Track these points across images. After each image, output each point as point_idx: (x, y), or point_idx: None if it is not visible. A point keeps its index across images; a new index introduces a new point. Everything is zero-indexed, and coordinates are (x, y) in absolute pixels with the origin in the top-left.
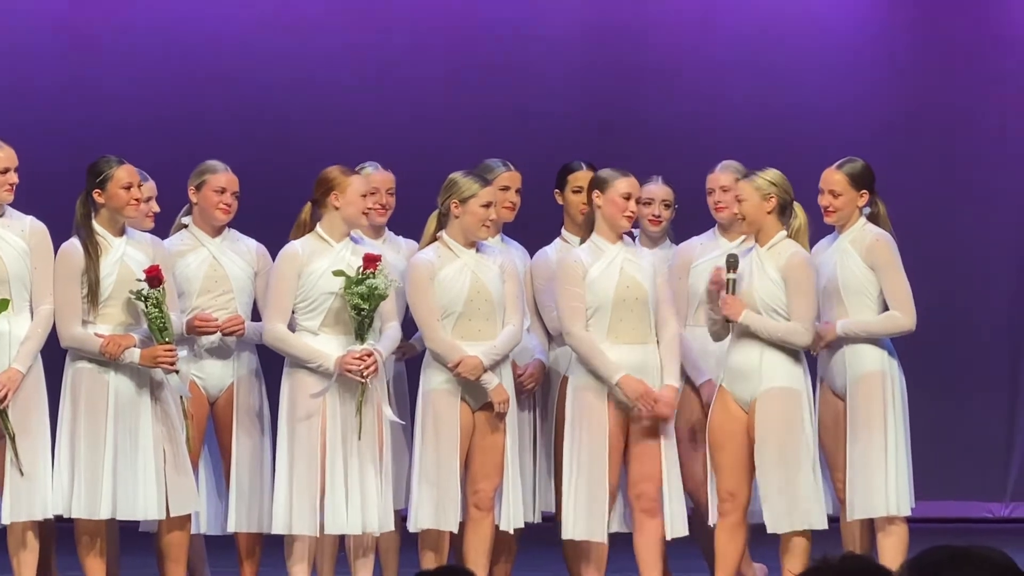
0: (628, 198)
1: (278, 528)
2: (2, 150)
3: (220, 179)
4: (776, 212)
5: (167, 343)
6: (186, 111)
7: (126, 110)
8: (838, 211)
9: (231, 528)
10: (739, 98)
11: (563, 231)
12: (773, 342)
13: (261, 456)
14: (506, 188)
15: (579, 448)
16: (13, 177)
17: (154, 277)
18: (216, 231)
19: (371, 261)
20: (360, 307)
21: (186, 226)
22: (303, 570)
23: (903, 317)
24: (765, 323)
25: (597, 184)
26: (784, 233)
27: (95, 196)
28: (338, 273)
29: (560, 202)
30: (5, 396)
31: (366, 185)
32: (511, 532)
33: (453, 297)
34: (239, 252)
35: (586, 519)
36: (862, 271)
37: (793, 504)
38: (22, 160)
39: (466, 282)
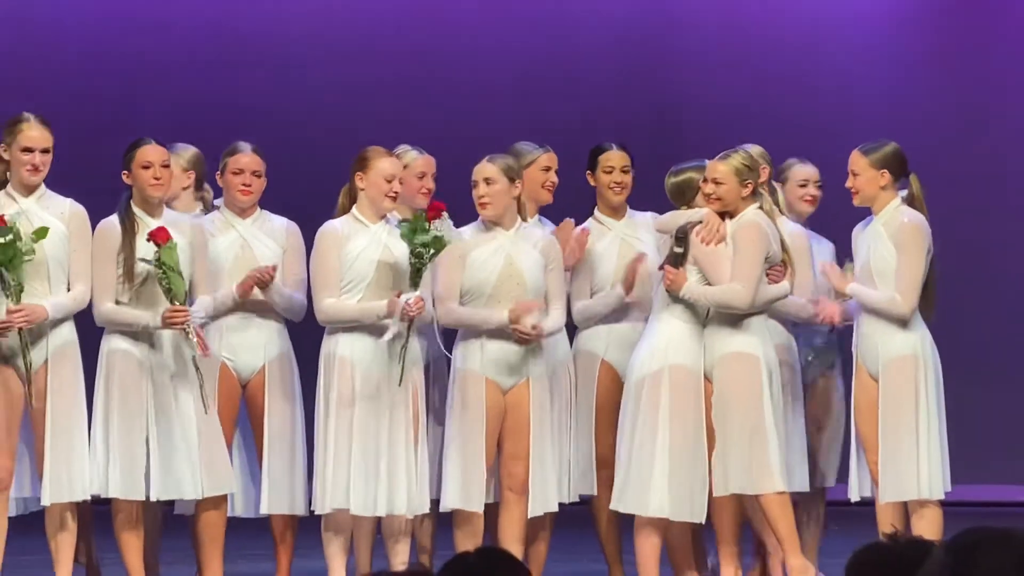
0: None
1: (318, 507)
2: (34, 129)
3: (239, 160)
4: (750, 196)
5: (174, 304)
6: (228, 90)
7: (179, 89)
8: (859, 191)
9: (264, 511)
10: (780, 83)
11: (596, 212)
12: (714, 305)
13: (293, 438)
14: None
15: (673, 431)
16: (37, 158)
17: (157, 238)
18: (246, 212)
19: (436, 209)
20: (421, 254)
21: (217, 207)
22: (340, 550)
23: (902, 303)
24: (705, 290)
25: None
26: (755, 206)
27: (125, 176)
28: (404, 222)
29: (592, 183)
30: (25, 320)
31: (392, 168)
32: (543, 515)
33: (484, 278)
34: (269, 233)
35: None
36: (891, 254)
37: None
38: (62, 143)
39: (499, 263)
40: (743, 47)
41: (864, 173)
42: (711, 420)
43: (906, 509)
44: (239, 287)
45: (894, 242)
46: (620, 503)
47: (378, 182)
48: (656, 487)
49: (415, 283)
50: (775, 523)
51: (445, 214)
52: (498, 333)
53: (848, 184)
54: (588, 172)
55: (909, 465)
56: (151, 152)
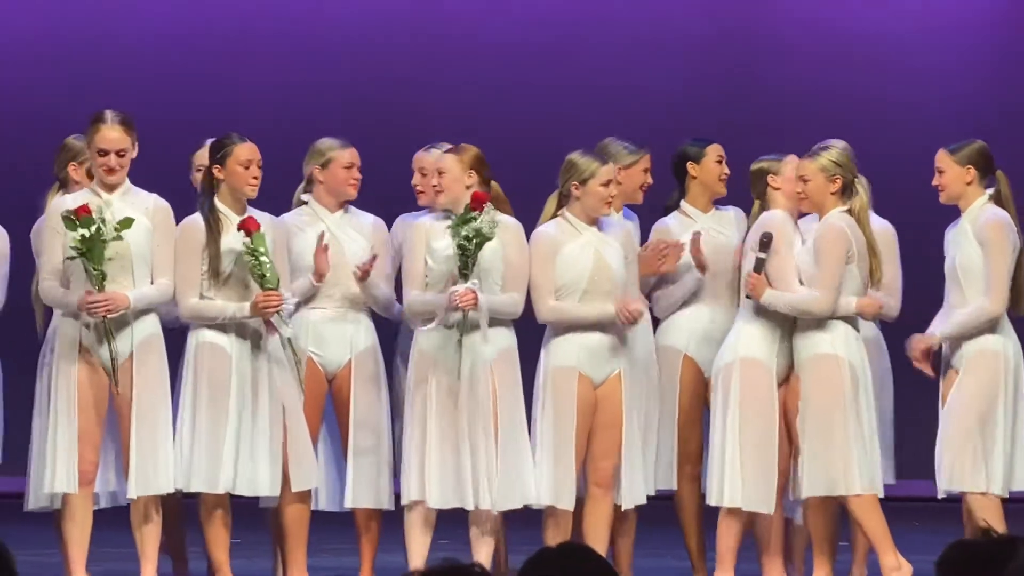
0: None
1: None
2: (112, 130)
3: (346, 156)
4: (839, 192)
5: (268, 289)
6: (306, 85)
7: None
8: (945, 189)
9: (348, 504)
10: (854, 85)
11: (683, 204)
12: (794, 313)
13: (379, 432)
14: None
15: (746, 425)
16: (112, 160)
17: (248, 227)
18: (337, 207)
19: (478, 201)
20: (465, 247)
21: (305, 202)
22: (422, 545)
23: (989, 303)
24: (785, 297)
25: (766, 172)
26: (841, 209)
27: (215, 172)
28: (452, 217)
29: (694, 174)
30: (107, 308)
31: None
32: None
33: (577, 274)
34: (357, 228)
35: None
36: (977, 252)
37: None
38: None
39: (589, 260)
40: (839, 43)
41: (949, 170)
42: (792, 421)
43: (999, 506)
44: (315, 274)
45: (979, 240)
46: (707, 494)
47: (459, 178)
48: (729, 477)
49: (464, 275)
50: (863, 524)
51: (489, 205)
52: (592, 326)
53: (934, 182)
54: (690, 163)
55: (998, 460)
56: (250, 150)
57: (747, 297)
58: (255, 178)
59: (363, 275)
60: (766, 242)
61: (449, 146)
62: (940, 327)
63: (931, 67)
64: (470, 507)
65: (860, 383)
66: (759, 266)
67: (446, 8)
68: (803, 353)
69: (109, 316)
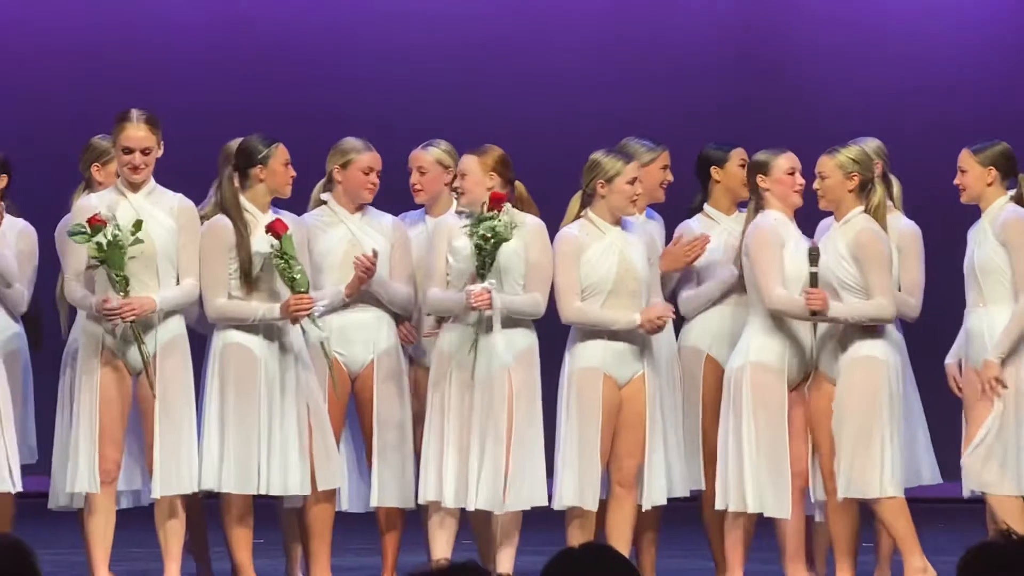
0: (792, 173)
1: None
2: (138, 129)
3: (366, 159)
4: (856, 190)
5: (298, 292)
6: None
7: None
8: (966, 189)
9: (374, 503)
10: (885, 82)
11: (706, 207)
12: (866, 323)
13: (403, 432)
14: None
15: (757, 428)
16: (137, 158)
17: (276, 229)
18: (355, 208)
19: (497, 201)
20: (482, 247)
21: (325, 202)
22: (444, 543)
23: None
24: (850, 309)
25: (758, 168)
26: (860, 209)
27: (256, 172)
28: (468, 216)
29: (717, 178)
30: (133, 313)
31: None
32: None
33: (603, 275)
34: (377, 228)
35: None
36: (996, 252)
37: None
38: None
39: (614, 261)
40: (863, 39)
41: (971, 170)
42: (819, 422)
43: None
44: (347, 287)
45: (1000, 240)
46: (717, 498)
47: (480, 180)
48: (740, 482)
49: (481, 275)
50: (893, 526)
51: (507, 205)
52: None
53: (955, 181)
54: (714, 167)
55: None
56: (287, 152)
57: (812, 313)
58: (292, 177)
59: (365, 271)
60: (815, 255)
61: (444, 144)
62: (994, 350)
63: (964, 64)
64: (470, 508)
65: (898, 385)
66: (814, 280)
67: (472, 7)
68: (843, 355)
69: (135, 320)
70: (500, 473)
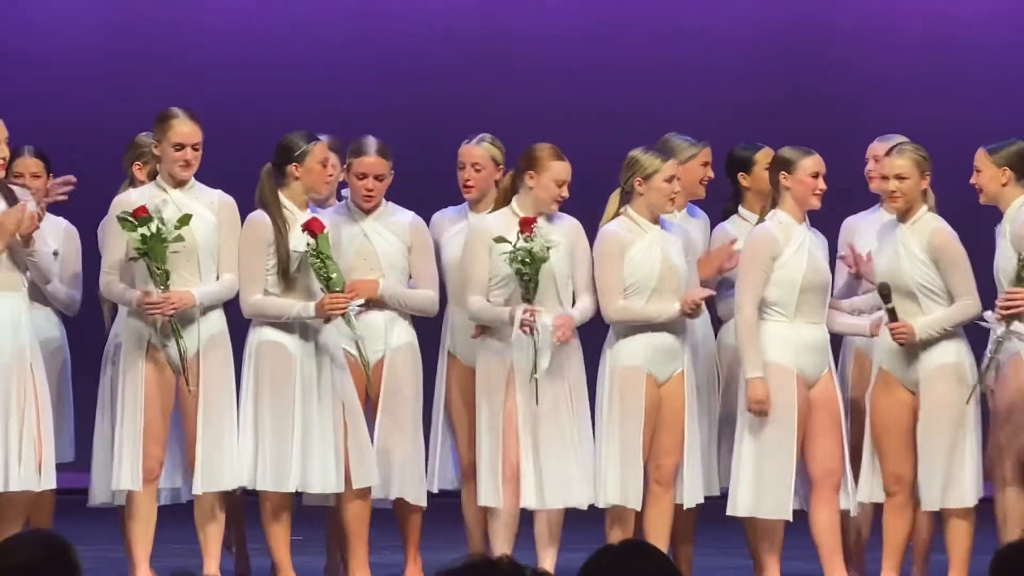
0: (816, 177)
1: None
2: (185, 124)
3: (363, 164)
4: (927, 189)
5: (334, 291)
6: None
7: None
8: (982, 189)
9: (394, 495)
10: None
11: (740, 209)
12: (958, 327)
13: (414, 428)
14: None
15: (761, 427)
16: (189, 154)
17: (312, 228)
18: (369, 207)
19: (526, 224)
20: (522, 272)
21: (345, 197)
22: (505, 542)
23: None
24: (939, 320)
25: (783, 164)
26: (926, 208)
27: (292, 170)
28: (499, 239)
29: (745, 184)
30: (173, 308)
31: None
32: (692, 507)
33: (647, 273)
34: (391, 228)
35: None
36: (1012, 252)
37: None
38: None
39: (656, 258)
40: (892, 39)
41: (987, 170)
42: (895, 431)
43: None
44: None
45: (1016, 244)
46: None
47: (549, 184)
48: (743, 486)
49: (526, 299)
50: (958, 535)
51: (536, 226)
52: (659, 325)
53: (972, 180)
54: (741, 173)
55: None
56: (326, 150)
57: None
58: (331, 175)
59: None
60: (886, 293)
61: (492, 137)
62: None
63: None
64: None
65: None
66: (893, 316)
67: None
68: (924, 361)
69: (174, 314)
70: (567, 469)
